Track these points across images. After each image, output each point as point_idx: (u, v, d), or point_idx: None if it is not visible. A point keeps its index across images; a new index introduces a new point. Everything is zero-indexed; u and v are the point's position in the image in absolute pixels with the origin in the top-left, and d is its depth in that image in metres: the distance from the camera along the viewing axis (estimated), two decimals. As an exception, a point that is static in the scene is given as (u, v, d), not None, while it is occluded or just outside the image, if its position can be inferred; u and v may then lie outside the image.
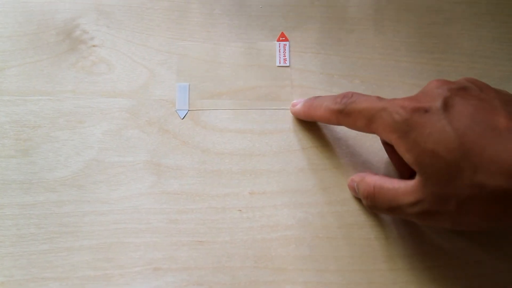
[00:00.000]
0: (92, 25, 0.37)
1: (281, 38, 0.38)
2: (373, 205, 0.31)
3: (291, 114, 0.36)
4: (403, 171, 0.33)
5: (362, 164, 0.35)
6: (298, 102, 0.35)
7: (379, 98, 0.29)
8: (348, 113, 0.30)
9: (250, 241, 0.33)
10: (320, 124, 0.36)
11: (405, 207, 0.28)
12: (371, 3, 0.39)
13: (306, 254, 0.33)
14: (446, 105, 0.27)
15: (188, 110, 0.36)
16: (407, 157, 0.28)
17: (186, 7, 0.38)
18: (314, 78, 0.37)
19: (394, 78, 0.37)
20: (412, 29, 0.38)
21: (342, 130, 0.36)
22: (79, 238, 0.33)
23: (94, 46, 0.37)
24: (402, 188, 0.29)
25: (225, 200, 0.34)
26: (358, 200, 0.34)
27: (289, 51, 0.38)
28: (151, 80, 0.36)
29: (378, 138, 0.35)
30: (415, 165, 0.27)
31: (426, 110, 0.27)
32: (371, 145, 0.35)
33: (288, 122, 0.36)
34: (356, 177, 0.33)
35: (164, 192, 0.34)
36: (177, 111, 0.36)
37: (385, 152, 0.34)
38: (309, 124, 0.36)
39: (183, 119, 0.36)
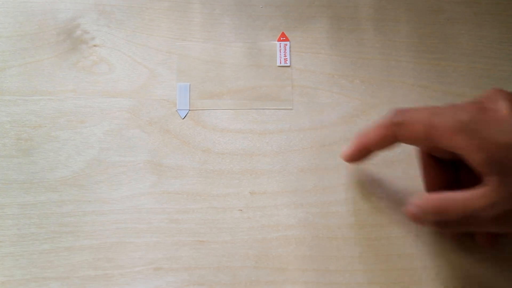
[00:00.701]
0: (93, 25, 0.38)
1: (281, 38, 0.38)
2: (442, 219, 0.29)
3: (291, 114, 0.36)
4: (432, 183, 0.32)
5: (362, 164, 0.35)
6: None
7: (433, 106, 0.28)
8: (404, 123, 0.29)
9: (251, 241, 0.33)
10: (320, 124, 0.36)
11: (480, 213, 0.27)
12: (371, 3, 0.39)
13: (307, 254, 0.33)
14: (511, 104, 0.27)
15: (189, 110, 0.36)
16: (477, 157, 0.26)
17: (186, 7, 0.38)
18: (314, 78, 0.37)
19: (394, 78, 0.37)
20: (412, 29, 0.38)
21: (342, 130, 0.36)
22: (80, 238, 0.33)
23: (94, 46, 0.37)
24: (472, 195, 0.27)
25: (226, 200, 0.34)
26: (358, 200, 0.34)
27: (290, 51, 0.38)
28: (151, 80, 0.36)
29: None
30: (486, 164, 0.26)
31: (493, 110, 0.27)
32: (371, 145, 0.35)
33: (288, 122, 0.36)
34: (414, 200, 0.30)
35: (165, 192, 0.34)
36: (178, 111, 0.36)
37: (385, 152, 0.34)
38: (310, 124, 0.36)
39: (184, 119, 0.36)
